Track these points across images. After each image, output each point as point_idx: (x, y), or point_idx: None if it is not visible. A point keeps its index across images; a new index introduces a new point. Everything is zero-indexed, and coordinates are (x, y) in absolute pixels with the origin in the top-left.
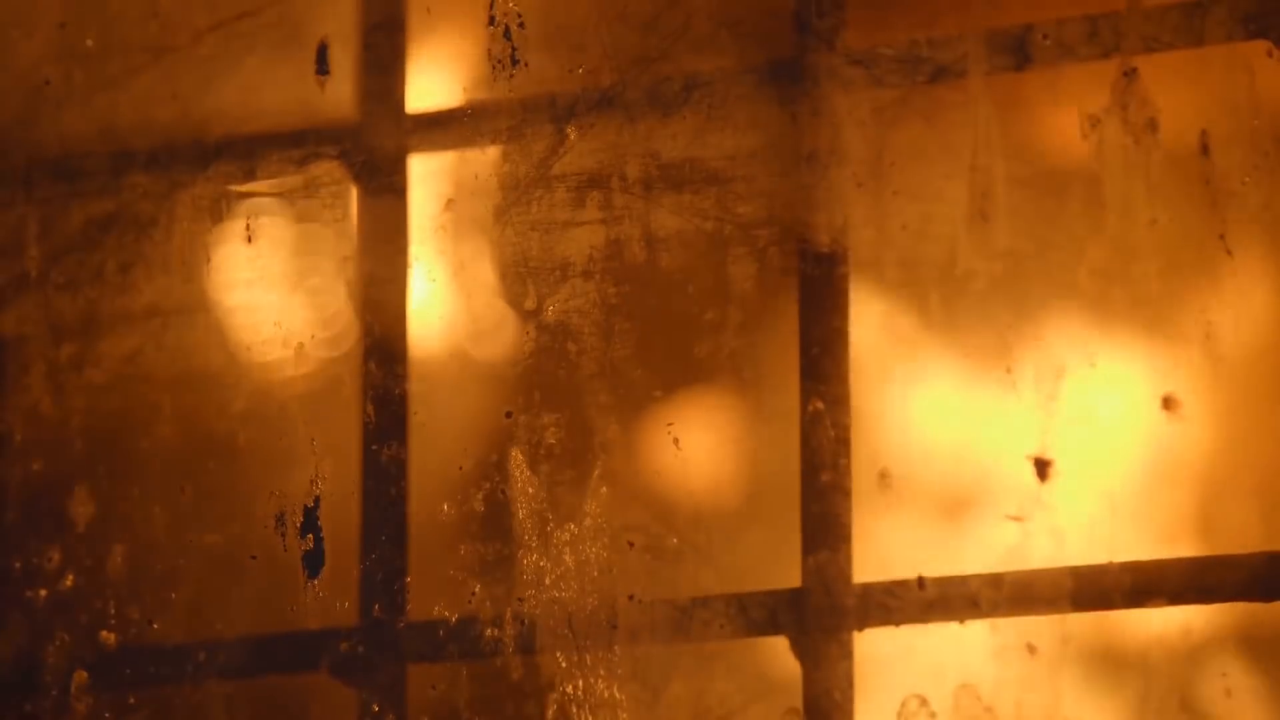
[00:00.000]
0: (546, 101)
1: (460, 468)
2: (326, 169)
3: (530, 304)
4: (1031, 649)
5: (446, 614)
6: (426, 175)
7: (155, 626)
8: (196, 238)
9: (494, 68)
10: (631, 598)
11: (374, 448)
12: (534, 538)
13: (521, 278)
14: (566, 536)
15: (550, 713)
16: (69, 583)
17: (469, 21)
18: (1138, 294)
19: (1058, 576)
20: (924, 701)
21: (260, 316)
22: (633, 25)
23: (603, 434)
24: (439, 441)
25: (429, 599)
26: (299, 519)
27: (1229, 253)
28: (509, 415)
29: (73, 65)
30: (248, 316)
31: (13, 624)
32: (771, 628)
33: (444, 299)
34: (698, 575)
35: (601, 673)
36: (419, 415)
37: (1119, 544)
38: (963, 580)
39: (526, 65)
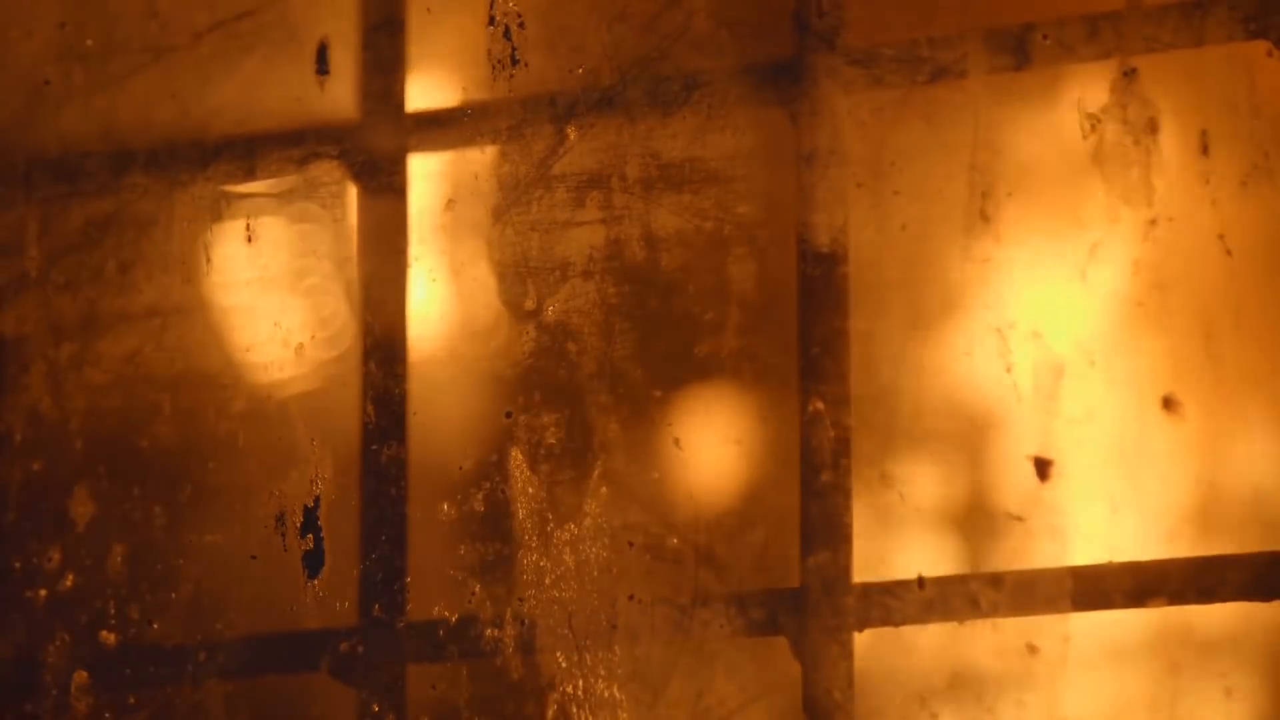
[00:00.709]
0: (546, 101)
1: (460, 468)
2: (326, 169)
3: (530, 304)
4: (1032, 649)
5: (446, 614)
6: (426, 175)
7: (155, 626)
8: (196, 238)
9: (494, 68)
10: (631, 598)
11: (374, 448)
12: (534, 538)
13: (521, 278)
14: (566, 536)
15: (550, 712)
16: (69, 583)
17: (469, 21)
18: (1138, 294)
19: (1058, 576)
20: (924, 701)
21: (260, 316)
22: (633, 25)
23: (603, 434)
24: (439, 442)
25: (429, 599)
26: (299, 519)
27: (1229, 253)
28: (509, 415)
29: (73, 65)
30: (247, 316)
31: (13, 624)
32: (771, 628)
33: (444, 299)
34: (698, 575)
35: (601, 673)
36: (419, 415)
37: (1119, 544)
38: (963, 580)
39: (526, 65)
